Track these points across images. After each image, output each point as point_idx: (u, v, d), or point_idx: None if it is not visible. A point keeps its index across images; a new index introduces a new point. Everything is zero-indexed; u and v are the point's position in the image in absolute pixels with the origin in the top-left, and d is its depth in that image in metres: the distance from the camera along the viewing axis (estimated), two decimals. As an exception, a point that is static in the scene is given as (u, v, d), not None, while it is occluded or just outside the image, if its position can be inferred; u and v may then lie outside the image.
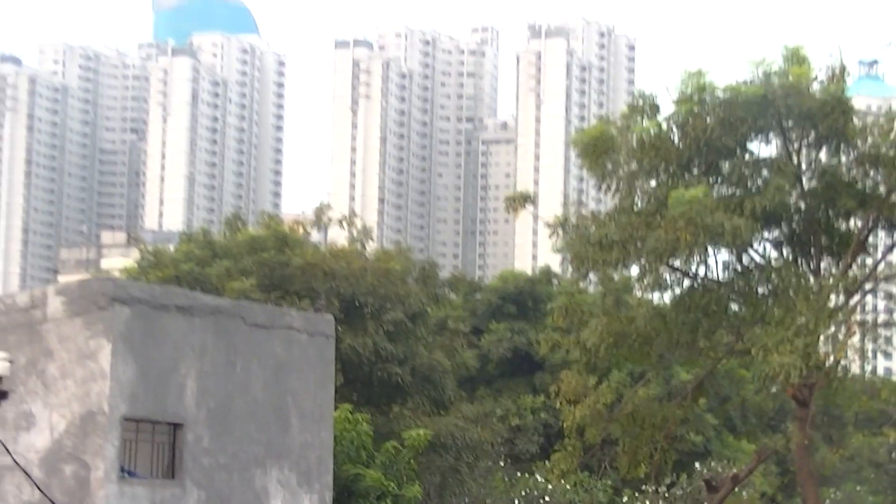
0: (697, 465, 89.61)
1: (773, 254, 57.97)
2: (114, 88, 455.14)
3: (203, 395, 36.77)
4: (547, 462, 79.98)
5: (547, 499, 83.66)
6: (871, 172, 56.18)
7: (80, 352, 34.55)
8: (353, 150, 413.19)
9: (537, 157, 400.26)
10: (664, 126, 54.89)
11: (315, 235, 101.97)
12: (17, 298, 36.71)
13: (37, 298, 35.83)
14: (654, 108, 55.43)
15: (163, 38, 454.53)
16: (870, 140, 55.45)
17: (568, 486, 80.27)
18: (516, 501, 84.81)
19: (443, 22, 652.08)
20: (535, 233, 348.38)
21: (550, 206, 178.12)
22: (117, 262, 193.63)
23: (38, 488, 32.40)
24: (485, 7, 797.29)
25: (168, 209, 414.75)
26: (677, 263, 55.05)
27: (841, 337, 54.85)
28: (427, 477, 74.16)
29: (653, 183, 55.26)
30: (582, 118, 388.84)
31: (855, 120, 55.83)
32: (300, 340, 40.28)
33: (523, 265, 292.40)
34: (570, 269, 62.72)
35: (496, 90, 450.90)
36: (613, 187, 55.78)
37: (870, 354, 67.85)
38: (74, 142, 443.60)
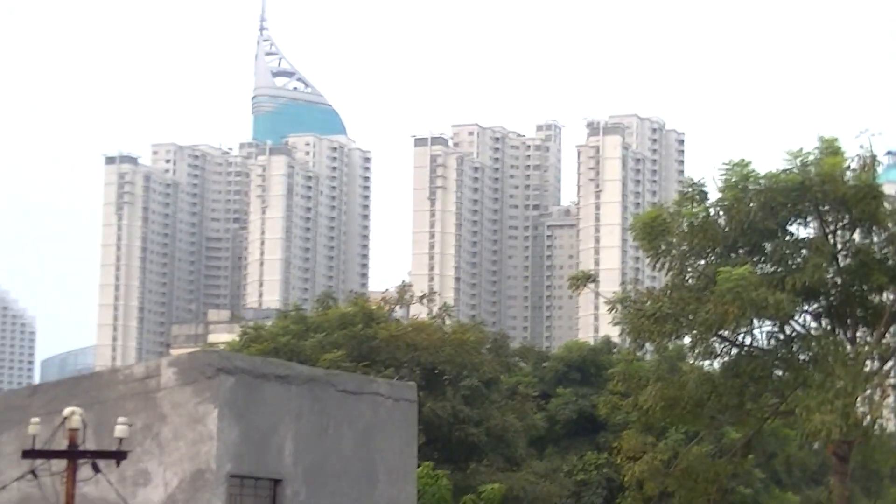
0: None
1: (813, 324, 57.62)
2: (218, 183, 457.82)
3: (300, 454, 36.80)
4: (611, 513, 79.75)
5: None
6: (900, 252, 56.03)
7: (190, 416, 34.67)
8: (432, 235, 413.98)
9: (597, 240, 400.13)
10: (711, 211, 54.85)
11: (398, 311, 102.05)
12: (134, 369, 36.90)
13: (152, 369, 36.03)
14: (702, 195, 55.40)
15: (261, 139, 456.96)
16: (899, 223, 55.39)
17: (630, 536, 79.72)
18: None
19: (511, 119, 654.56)
20: (596, 307, 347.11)
21: (609, 283, 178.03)
22: (222, 336, 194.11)
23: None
24: (548, 105, 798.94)
25: (267, 289, 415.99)
26: (725, 334, 54.95)
27: (877, 398, 54.74)
28: (501, 528, 73.79)
29: (702, 262, 55.17)
30: (637, 204, 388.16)
31: (885, 204, 55.65)
32: (386, 405, 40.30)
33: (586, 336, 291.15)
34: (627, 339, 62.58)
35: (559, 180, 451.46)
36: (666, 266, 55.73)
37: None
38: (184, 231, 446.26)
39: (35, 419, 25.46)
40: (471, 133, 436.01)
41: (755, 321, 54.55)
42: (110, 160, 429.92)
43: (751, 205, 53.53)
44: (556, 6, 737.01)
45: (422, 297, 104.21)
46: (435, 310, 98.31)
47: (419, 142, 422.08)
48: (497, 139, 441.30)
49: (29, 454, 24.20)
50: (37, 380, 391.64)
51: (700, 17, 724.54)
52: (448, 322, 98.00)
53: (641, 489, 64.10)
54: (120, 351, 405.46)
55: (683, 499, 59.12)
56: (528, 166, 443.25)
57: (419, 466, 45.96)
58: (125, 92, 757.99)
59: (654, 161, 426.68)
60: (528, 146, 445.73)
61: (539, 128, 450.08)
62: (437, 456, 72.53)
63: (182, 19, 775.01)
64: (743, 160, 54.51)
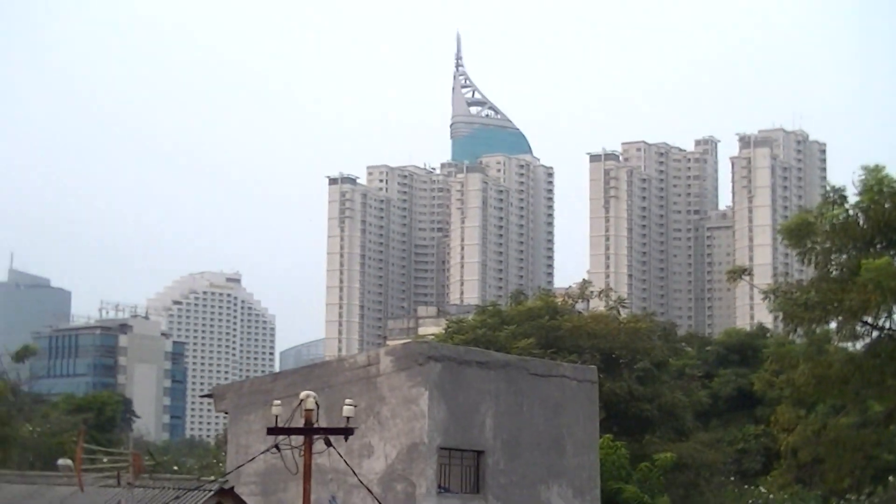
0: (891, 478, 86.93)
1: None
2: (424, 198, 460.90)
3: (498, 429, 36.93)
4: (768, 477, 78.54)
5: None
6: None
7: (405, 398, 35.00)
8: (607, 238, 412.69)
9: (751, 239, 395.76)
10: (851, 212, 53.85)
11: (579, 305, 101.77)
12: (357, 358, 37.40)
13: (372, 358, 36.46)
14: (842, 199, 54.36)
15: (459, 160, 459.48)
16: None
17: (785, 497, 78.32)
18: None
19: (672, 135, 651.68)
20: (751, 297, 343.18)
21: (762, 276, 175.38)
22: (430, 329, 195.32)
23: (378, 501, 32.79)
24: (705, 122, 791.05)
25: (467, 288, 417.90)
26: (868, 319, 53.94)
27: None
28: (672, 490, 73.11)
29: (844, 257, 54.19)
30: (785, 207, 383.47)
31: None
32: (571, 386, 40.28)
33: (743, 323, 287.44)
34: (781, 325, 61.80)
35: (716, 188, 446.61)
36: (813, 261, 54.91)
37: None
38: (396, 240, 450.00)
39: (277, 402, 25.95)
40: (638, 149, 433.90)
41: (894, 307, 53.55)
42: (333, 181, 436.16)
43: (886, 205, 52.48)
44: (707, 35, 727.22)
45: (599, 293, 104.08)
46: (611, 303, 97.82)
47: (594, 158, 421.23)
48: (661, 154, 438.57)
49: (273, 431, 24.70)
50: (277, 369, 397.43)
51: (838, 34, 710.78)
52: (622, 313, 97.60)
53: (795, 456, 63.49)
54: (345, 343, 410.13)
55: (833, 465, 58.22)
56: (689, 177, 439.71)
57: (600, 438, 45.76)
58: (345, 122, 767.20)
59: (800, 169, 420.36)
60: (689, 159, 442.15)
61: (697, 143, 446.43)
62: (616, 429, 72.07)
63: (390, 60, 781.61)
64: (878, 166, 53.45)
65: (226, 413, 39.87)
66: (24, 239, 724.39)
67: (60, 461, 31.98)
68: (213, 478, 31.61)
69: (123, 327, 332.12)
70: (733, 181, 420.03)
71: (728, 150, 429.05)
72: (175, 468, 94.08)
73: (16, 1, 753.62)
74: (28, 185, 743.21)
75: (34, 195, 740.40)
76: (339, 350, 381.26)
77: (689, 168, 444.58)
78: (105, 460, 28.86)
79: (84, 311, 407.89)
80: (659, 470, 67.84)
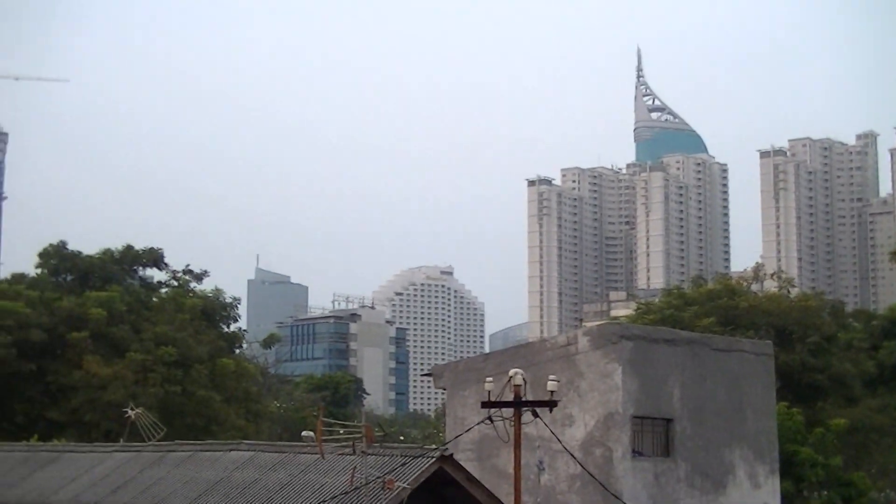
0: None
1: None
2: (612, 195, 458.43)
3: (685, 399, 36.62)
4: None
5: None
6: None
7: (601, 373, 34.95)
8: (777, 225, 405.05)
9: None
10: None
11: (754, 286, 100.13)
12: (558, 339, 37.45)
13: (570, 338, 36.46)
14: None
15: (643, 160, 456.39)
16: None
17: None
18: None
19: (834, 130, 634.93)
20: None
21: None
22: (621, 311, 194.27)
23: (580, 464, 32.84)
24: (866, 117, 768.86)
25: (653, 274, 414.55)
26: None
27: None
28: (844, 452, 71.42)
29: None
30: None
31: None
32: (749, 359, 39.73)
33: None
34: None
35: (877, 177, 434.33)
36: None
37: None
38: (588, 233, 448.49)
39: (489, 378, 26.18)
40: (804, 145, 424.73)
41: None
42: (531, 183, 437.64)
43: None
44: (862, 37, 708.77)
45: (772, 275, 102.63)
46: (782, 284, 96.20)
47: (764, 154, 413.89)
48: (825, 148, 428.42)
49: (486, 404, 24.90)
50: (486, 350, 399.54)
51: None
52: (793, 293, 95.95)
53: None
54: (546, 325, 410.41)
55: None
56: (851, 168, 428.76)
57: (777, 405, 44.98)
58: (541, 129, 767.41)
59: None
60: (850, 152, 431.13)
61: (858, 137, 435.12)
62: (790, 397, 70.70)
63: (579, 75, 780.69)
64: None
65: (444, 389, 40.33)
66: (268, 242, 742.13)
67: (304, 433, 32.74)
68: (434, 446, 31.98)
69: (353, 316, 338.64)
70: (893, 170, 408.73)
71: (887, 142, 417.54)
72: (401, 438, 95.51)
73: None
74: (270, 195, 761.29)
75: (276, 204, 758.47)
76: (541, 332, 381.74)
77: (852, 160, 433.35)
78: (341, 432, 29.44)
79: (320, 303, 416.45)
80: (832, 434, 66.39)
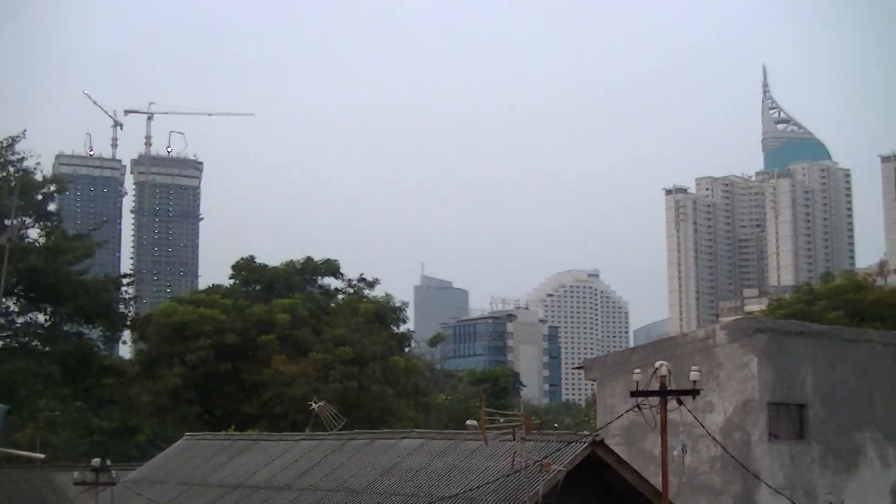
0: None
1: None
2: (743, 201, 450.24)
3: (817, 386, 35.84)
4: None
5: None
6: None
7: (737, 363, 34.42)
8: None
9: None
10: None
11: (879, 281, 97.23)
12: (697, 333, 37.05)
13: (709, 332, 36.00)
14: None
15: (770, 168, 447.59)
16: None
17: None
18: None
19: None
20: None
21: None
22: (754, 307, 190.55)
23: (721, 447, 32.38)
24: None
25: (783, 272, 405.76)
26: None
27: None
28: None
29: None
30: None
31: None
32: (877, 349, 38.71)
33: None
34: None
35: None
36: None
37: None
38: (721, 236, 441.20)
39: (636, 370, 25.94)
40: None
41: None
42: (668, 192, 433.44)
43: None
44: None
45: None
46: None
47: (885, 159, 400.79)
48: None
49: (634, 394, 24.69)
50: (630, 345, 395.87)
51: None
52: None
53: None
54: (685, 321, 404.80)
55: None
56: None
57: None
58: (677, 142, 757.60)
59: None
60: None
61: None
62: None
63: (709, 92, 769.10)
64: None
65: (594, 381, 40.13)
66: (432, 252, 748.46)
67: (468, 422, 32.91)
68: (586, 432, 31.82)
69: (510, 316, 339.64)
70: None
71: None
72: (555, 425, 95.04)
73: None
74: (435, 209, 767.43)
75: (440, 217, 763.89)
76: (681, 327, 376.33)
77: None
78: (501, 420, 29.49)
79: (479, 305, 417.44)
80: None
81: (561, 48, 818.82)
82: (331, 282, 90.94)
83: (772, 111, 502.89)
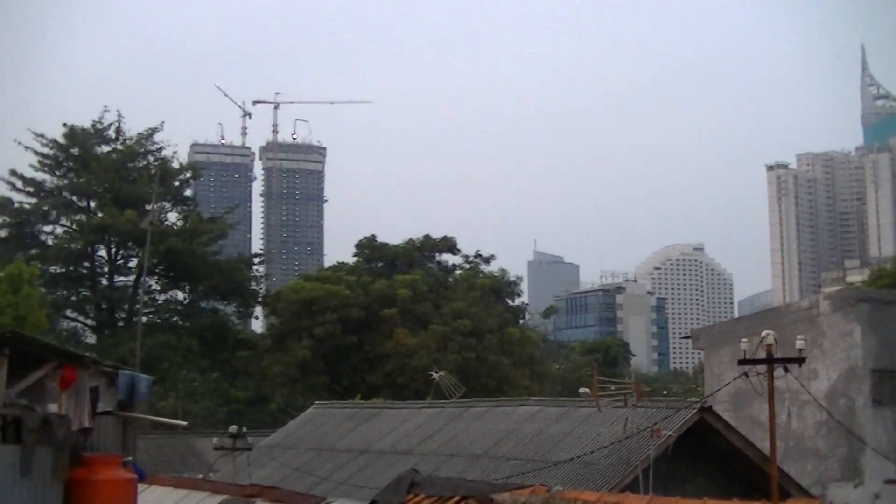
0: None
1: None
2: (843, 176, 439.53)
3: (921, 354, 35.03)
4: None
5: None
6: None
7: (841, 332, 33.80)
8: None
9: None
10: None
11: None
12: (801, 304, 36.45)
13: (812, 303, 35.40)
14: None
15: (870, 143, 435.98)
16: None
17: None
18: None
19: None
20: None
21: None
22: (856, 277, 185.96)
23: (828, 412, 31.84)
24: None
25: (883, 243, 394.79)
26: None
27: None
28: None
29: None
30: None
31: None
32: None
33: None
34: None
35: None
36: None
37: None
38: (822, 209, 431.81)
39: (743, 339, 25.67)
40: None
41: None
42: (770, 168, 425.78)
43: None
44: None
45: None
46: None
47: None
48: None
49: (742, 362, 24.40)
50: (736, 315, 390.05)
51: None
52: None
53: None
54: (787, 292, 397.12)
55: None
56: None
57: None
58: (775, 120, 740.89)
59: None
60: None
61: None
62: None
63: (809, 71, 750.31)
64: None
65: (701, 349, 39.75)
66: (544, 227, 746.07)
67: (581, 389, 32.89)
68: (695, 399, 31.58)
69: (619, 289, 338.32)
70: None
71: None
72: (664, 392, 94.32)
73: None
74: (547, 185, 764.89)
75: (552, 193, 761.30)
76: (784, 298, 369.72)
77: None
78: (612, 388, 29.45)
79: (589, 278, 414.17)
80: None
81: (654, 25, 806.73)
82: (449, 258, 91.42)
83: (870, 87, 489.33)
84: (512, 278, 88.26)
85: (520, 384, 76.02)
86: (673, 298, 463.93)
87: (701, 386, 50.61)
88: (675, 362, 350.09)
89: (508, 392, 70.48)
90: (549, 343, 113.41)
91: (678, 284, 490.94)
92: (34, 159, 79.21)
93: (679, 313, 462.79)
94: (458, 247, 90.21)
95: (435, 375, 43.61)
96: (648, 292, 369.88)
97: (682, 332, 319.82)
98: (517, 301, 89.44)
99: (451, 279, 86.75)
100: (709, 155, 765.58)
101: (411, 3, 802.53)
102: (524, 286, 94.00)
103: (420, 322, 77.38)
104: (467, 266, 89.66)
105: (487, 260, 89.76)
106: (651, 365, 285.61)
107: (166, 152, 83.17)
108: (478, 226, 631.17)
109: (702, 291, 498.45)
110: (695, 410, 26.78)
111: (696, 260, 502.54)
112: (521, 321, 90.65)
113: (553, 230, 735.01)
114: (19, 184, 79.02)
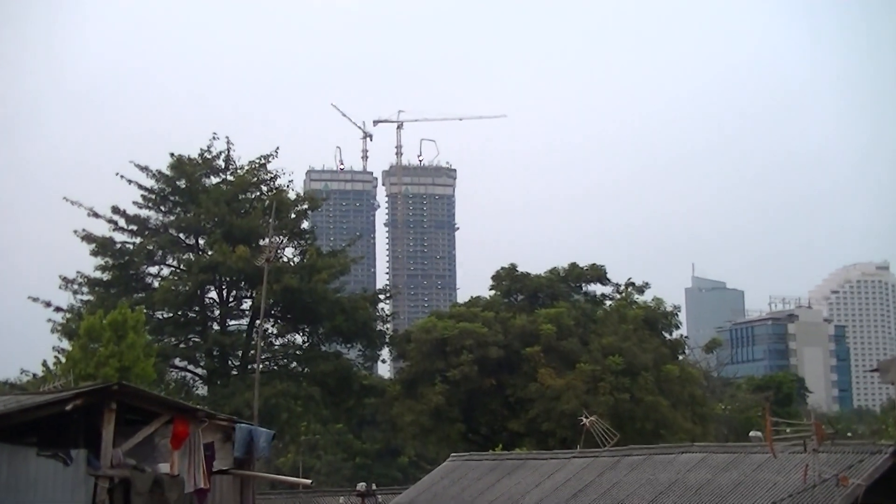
0: None
1: None
2: None
3: None
4: None
5: None
6: None
7: None
8: None
9: None
10: None
11: None
12: None
13: None
14: None
15: None
16: None
17: None
18: None
19: None
20: None
21: None
22: None
23: None
24: None
25: None
26: None
27: None
28: None
29: None
30: None
31: None
32: None
33: None
34: None
35: None
36: None
37: None
38: None
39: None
40: None
41: None
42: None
43: None
44: None
45: None
46: None
47: None
48: None
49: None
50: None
51: None
52: None
53: None
54: None
55: None
56: None
57: None
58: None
59: None
60: None
61: None
62: None
63: None
64: None
65: (892, 384, 38.47)
66: (702, 251, 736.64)
67: (752, 433, 32.25)
68: (886, 442, 30.53)
69: (790, 317, 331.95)
70: None
71: None
72: (849, 434, 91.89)
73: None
74: (704, 206, 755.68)
75: (711, 215, 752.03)
76: None
77: None
78: (788, 430, 28.70)
79: (756, 305, 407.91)
80: None
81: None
82: (597, 288, 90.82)
83: None
84: (669, 308, 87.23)
85: (681, 428, 74.91)
86: (854, 326, 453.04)
87: (892, 426, 49.09)
88: (859, 399, 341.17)
89: (668, 437, 69.48)
90: (713, 380, 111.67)
91: (860, 310, 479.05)
92: (137, 194, 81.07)
93: (862, 343, 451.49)
94: (608, 275, 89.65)
95: (585, 420, 43.28)
96: (825, 319, 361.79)
97: (866, 364, 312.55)
98: (675, 334, 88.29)
99: (599, 311, 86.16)
100: (891, 156, 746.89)
101: (550, 4, 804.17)
102: (682, 316, 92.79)
103: (567, 361, 76.94)
104: (618, 296, 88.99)
105: (641, 289, 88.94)
106: (831, 403, 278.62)
107: (281, 181, 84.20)
108: (627, 250, 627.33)
109: (888, 317, 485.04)
110: (887, 455, 25.96)
111: (880, 281, 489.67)
112: (681, 356, 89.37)
113: (713, 252, 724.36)
114: (122, 222, 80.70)
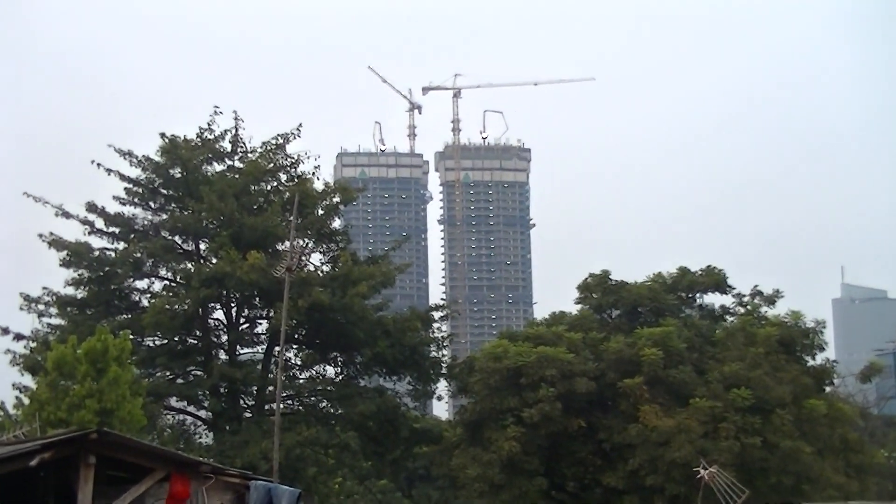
0: None
1: None
2: None
3: None
4: None
5: None
6: None
7: None
8: None
9: None
10: None
11: None
12: None
13: None
14: None
15: None
16: None
17: None
18: None
19: None
20: None
21: None
22: None
23: None
24: None
25: None
26: None
27: None
28: None
29: None
30: None
31: None
32: None
33: None
34: None
35: None
36: None
37: None
38: None
39: None
40: None
41: None
42: None
43: None
44: None
45: None
46: None
47: None
48: None
49: None
50: None
51: None
52: None
53: None
54: None
55: None
56: None
57: None
58: None
59: None
60: None
61: None
62: None
63: None
64: None
65: None
66: (854, 252, 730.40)
67: None
68: None
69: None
70: None
71: None
72: None
73: None
74: (852, 199, 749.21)
75: (861, 209, 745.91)
76: None
77: None
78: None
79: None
80: None
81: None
82: (714, 299, 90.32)
83: None
84: (810, 324, 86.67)
85: (830, 482, 74.48)
86: None
87: None
88: None
89: (813, 494, 69.14)
90: (872, 419, 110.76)
91: None
92: (119, 187, 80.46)
93: None
94: (729, 282, 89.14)
95: (703, 472, 43.22)
96: None
97: None
98: (820, 358, 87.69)
99: (719, 330, 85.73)
100: None
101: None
102: (829, 335, 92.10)
103: (677, 395, 76.66)
104: (742, 310, 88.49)
105: (772, 299, 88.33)
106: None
107: (304, 167, 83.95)
108: (752, 250, 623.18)
109: None
110: None
111: None
112: (828, 388, 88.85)
113: (868, 253, 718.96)
114: (100, 223, 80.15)
